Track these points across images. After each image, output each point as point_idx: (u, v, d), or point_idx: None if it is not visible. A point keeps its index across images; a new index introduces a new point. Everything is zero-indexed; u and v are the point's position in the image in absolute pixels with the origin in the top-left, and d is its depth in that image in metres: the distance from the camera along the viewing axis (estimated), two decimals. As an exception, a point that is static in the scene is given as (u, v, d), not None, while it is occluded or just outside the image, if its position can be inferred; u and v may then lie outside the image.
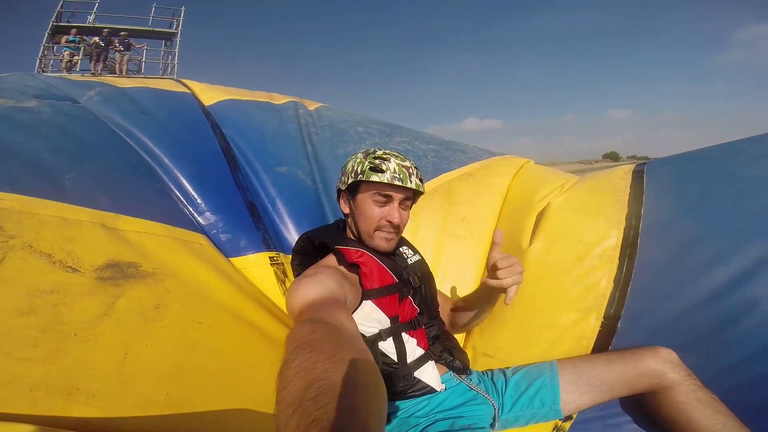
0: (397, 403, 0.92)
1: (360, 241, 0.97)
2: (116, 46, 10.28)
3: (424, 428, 0.87)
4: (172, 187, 1.20)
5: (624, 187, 1.19)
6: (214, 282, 0.91)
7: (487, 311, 1.07)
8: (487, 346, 1.15)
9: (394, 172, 0.91)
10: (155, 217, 0.97)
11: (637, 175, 1.23)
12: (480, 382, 1.01)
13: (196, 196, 1.21)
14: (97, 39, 10.26)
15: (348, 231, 1.02)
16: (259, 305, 0.97)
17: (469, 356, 1.14)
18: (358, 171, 0.92)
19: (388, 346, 0.90)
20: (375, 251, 0.95)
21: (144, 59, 11.89)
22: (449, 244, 1.36)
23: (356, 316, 0.88)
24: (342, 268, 0.92)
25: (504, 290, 0.87)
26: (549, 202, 1.25)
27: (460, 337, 1.23)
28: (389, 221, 0.93)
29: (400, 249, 1.06)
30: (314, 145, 1.61)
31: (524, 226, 1.25)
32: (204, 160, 1.33)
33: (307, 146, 1.60)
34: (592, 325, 1.02)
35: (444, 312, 1.12)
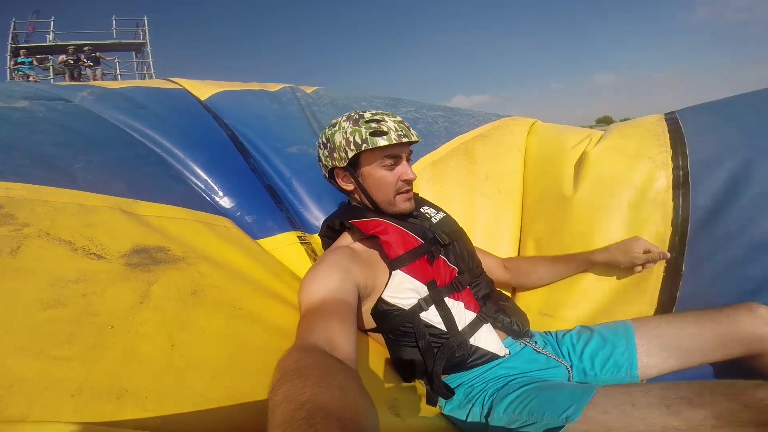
0: (455, 375, 0.85)
1: (375, 211, 0.91)
2: (84, 62, 10.03)
3: (495, 390, 0.80)
4: (187, 174, 1.14)
5: (662, 131, 1.17)
6: (245, 264, 0.86)
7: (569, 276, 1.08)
8: (544, 304, 1.11)
9: (397, 130, 0.86)
10: (175, 202, 0.91)
11: (671, 121, 1.22)
12: (546, 344, 0.94)
13: (212, 182, 1.16)
14: (64, 57, 10.01)
15: (356, 205, 0.95)
16: (291, 285, 0.92)
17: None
18: (358, 141, 0.85)
19: (432, 316, 0.83)
20: (393, 216, 0.90)
21: (119, 72, 11.68)
22: (478, 202, 1.34)
23: (388, 290, 0.82)
24: (358, 245, 0.89)
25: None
26: (585, 150, 1.23)
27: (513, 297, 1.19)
28: (405, 180, 0.88)
29: (421, 209, 1.00)
30: (320, 122, 1.56)
31: (562, 175, 1.23)
32: (214, 148, 1.27)
33: (313, 124, 1.55)
34: (655, 271, 1.00)
35: (491, 269, 1.07)
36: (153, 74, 11.79)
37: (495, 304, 0.92)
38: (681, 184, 1.04)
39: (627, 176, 1.11)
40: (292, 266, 1.06)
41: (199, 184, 1.14)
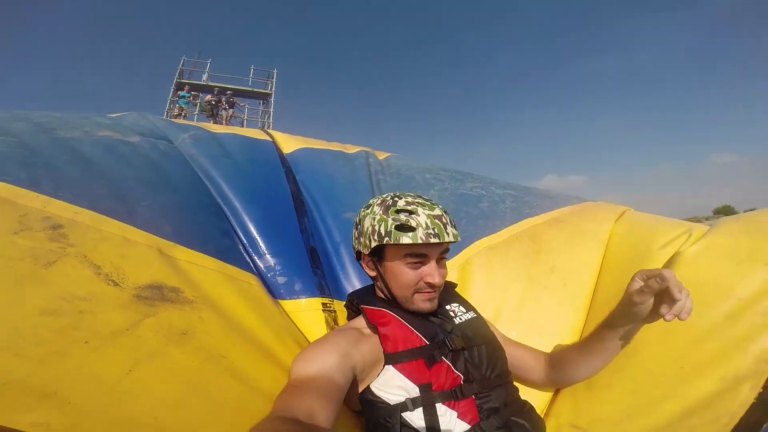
0: None
1: (389, 302, 0.87)
2: (223, 104, 11.96)
3: None
4: (238, 229, 1.21)
5: None
6: (253, 320, 0.86)
7: (612, 354, 0.86)
8: (579, 415, 0.92)
9: (427, 227, 0.78)
10: (211, 253, 0.96)
11: None
12: None
13: (259, 239, 1.21)
14: (209, 97, 12.04)
15: (377, 291, 0.91)
16: (297, 349, 0.90)
17: (550, 428, 0.92)
18: (382, 232, 0.80)
19: (416, 418, 0.75)
20: (407, 312, 0.85)
21: (246, 117, 13.62)
22: (537, 296, 1.18)
23: (377, 382, 0.77)
24: (368, 330, 0.86)
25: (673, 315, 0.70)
26: (679, 250, 1.02)
27: (542, 405, 1.00)
28: (428, 282, 0.82)
29: (447, 307, 0.92)
30: (382, 191, 1.57)
31: None
32: (273, 205, 1.34)
33: (375, 192, 1.57)
34: (743, 396, 0.77)
35: (530, 367, 0.95)
36: (272, 123, 13.53)
37: (502, 419, 0.79)
38: None
39: (729, 285, 0.88)
40: (306, 331, 1.05)
41: (245, 240, 1.19)
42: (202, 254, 0.93)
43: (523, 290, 1.19)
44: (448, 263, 1.25)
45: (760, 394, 0.76)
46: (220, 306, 0.81)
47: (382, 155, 1.99)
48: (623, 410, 0.88)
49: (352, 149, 1.99)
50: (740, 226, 1.03)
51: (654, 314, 0.74)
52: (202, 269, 0.89)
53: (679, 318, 0.70)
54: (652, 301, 0.73)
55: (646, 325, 0.88)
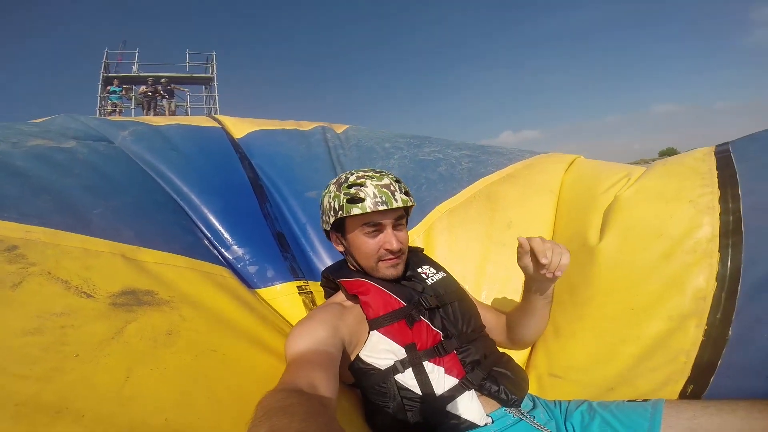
0: None
1: (363, 272, 0.91)
2: (161, 94, 11.07)
3: None
4: (199, 223, 1.19)
5: (708, 169, 0.99)
6: (234, 311, 0.88)
7: (541, 312, 0.94)
8: (553, 364, 1.00)
9: (375, 196, 0.84)
10: (177, 251, 0.95)
11: (722, 155, 1.02)
12: (551, 418, 0.85)
13: (222, 230, 1.19)
14: (144, 88, 11.12)
15: (349, 265, 0.96)
16: (281, 334, 0.93)
17: (532, 379, 0.99)
18: (336, 207, 0.87)
19: (408, 379, 0.81)
20: (381, 279, 0.89)
21: (189, 105, 12.73)
22: (496, 254, 1.23)
23: (366, 349, 0.82)
24: (348, 302, 0.90)
25: (550, 272, 0.79)
26: (617, 194, 1.08)
27: (522, 358, 1.08)
28: (388, 249, 0.88)
29: (419, 270, 0.98)
30: (343, 165, 1.57)
31: (589, 223, 1.09)
32: (231, 194, 1.32)
33: (337, 168, 1.56)
34: (692, 334, 0.83)
35: (497, 328, 1.01)
36: (218, 108, 12.75)
37: (485, 370, 0.86)
38: (731, 232, 0.86)
39: (661, 224, 0.95)
40: (287, 315, 1.07)
41: (208, 234, 1.18)
42: (170, 253, 0.92)
43: (482, 249, 1.25)
44: (414, 230, 1.29)
45: (705, 331, 0.81)
46: (200, 302, 0.82)
47: (339, 128, 1.96)
48: (590, 356, 0.94)
49: (307, 126, 1.94)
50: (667, 168, 1.10)
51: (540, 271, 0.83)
52: (172, 268, 0.88)
53: (554, 275, 0.80)
54: (529, 261, 0.84)
55: (596, 270, 0.97)
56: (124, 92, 11.38)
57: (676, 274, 0.88)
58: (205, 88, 13.68)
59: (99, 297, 0.68)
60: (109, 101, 11.19)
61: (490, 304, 1.13)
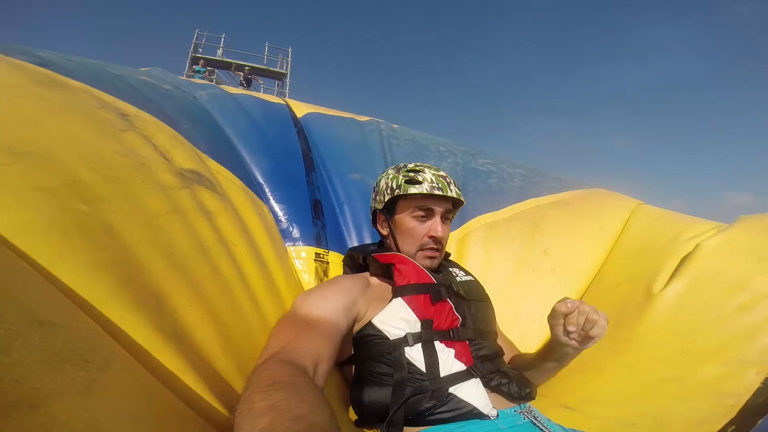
0: (428, 430, 0.71)
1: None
2: (242, 82, 11.79)
3: None
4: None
5: None
6: (263, 240, 0.94)
7: (550, 373, 0.85)
8: (566, 395, 0.93)
9: (432, 182, 0.88)
10: (236, 174, 1.07)
11: None
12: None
13: (265, 185, 1.25)
14: (242, 74, 11.78)
15: (387, 248, 0.96)
16: (287, 274, 0.98)
17: (539, 407, 0.92)
18: (393, 186, 0.90)
19: (415, 353, 0.76)
20: None
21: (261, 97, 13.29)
22: (527, 279, 1.18)
23: (381, 315, 0.80)
24: (375, 279, 0.90)
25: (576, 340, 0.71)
26: (699, 243, 1.03)
27: None
28: (433, 236, 0.89)
29: (450, 269, 0.96)
30: (393, 154, 1.58)
31: (660, 267, 1.05)
32: (282, 158, 1.38)
33: (387, 155, 1.57)
34: (748, 380, 0.79)
35: (506, 355, 0.93)
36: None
37: (494, 366, 0.80)
38: None
39: (747, 277, 0.89)
40: (297, 273, 1.10)
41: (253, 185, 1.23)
42: (229, 171, 1.02)
43: (514, 271, 1.20)
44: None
45: (766, 378, 0.78)
46: (240, 212, 0.90)
47: (394, 125, 2.00)
48: (618, 392, 0.89)
49: (363, 118, 2.01)
50: (764, 224, 1.05)
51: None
52: (228, 181, 0.98)
53: (581, 346, 0.72)
54: (561, 321, 0.72)
55: (652, 310, 0.92)
56: (206, 73, 12.13)
57: (750, 325, 0.85)
58: (277, 84, 14.23)
59: (174, 164, 0.78)
60: (193, 79, 11.99)
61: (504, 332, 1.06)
